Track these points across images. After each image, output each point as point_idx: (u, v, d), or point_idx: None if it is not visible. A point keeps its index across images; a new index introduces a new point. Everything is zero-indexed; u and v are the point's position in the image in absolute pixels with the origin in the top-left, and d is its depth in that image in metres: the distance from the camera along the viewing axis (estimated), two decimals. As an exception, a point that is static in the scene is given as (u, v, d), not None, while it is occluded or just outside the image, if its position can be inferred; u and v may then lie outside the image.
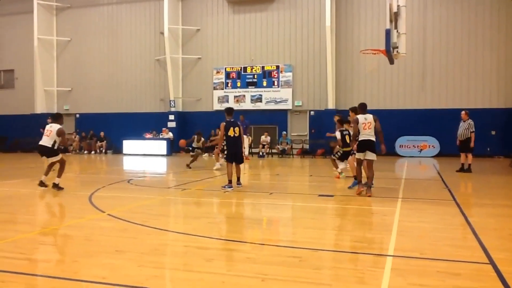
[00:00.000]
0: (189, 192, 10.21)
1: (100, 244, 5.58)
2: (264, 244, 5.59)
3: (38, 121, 25.54)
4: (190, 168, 15.70)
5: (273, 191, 10.24)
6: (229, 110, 10.81)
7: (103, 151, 25.31)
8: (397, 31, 10.56)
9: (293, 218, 7.63)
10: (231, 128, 10.42)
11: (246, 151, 21.06)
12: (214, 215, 7.97)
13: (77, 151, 25.80)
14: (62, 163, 10.62)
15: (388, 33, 10.32)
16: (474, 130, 14.17)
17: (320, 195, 9.44)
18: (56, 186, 10.35)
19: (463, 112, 14.59)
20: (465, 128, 14.20)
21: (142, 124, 24.99)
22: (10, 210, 8.22)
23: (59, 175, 10.45)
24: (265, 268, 4.57)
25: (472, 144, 14.02)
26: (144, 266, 4.66)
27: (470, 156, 14.18)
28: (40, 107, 27.63)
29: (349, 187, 10.28)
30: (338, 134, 11.89)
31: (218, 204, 8.99)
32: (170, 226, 6.77)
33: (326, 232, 6.51)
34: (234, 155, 10.36)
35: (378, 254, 5.06)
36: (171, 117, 25.34)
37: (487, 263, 4.68)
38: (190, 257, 4.99)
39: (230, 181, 10.27)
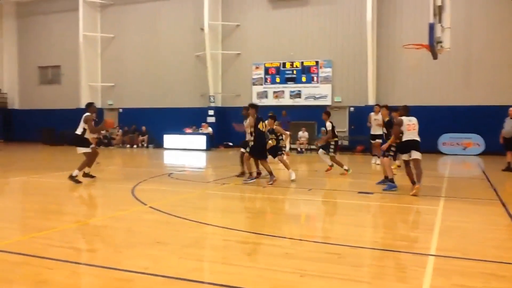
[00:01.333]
0: (228, 186, 10.31)
1: (142, 236, 5.73)
2: (302, 240, 5.59)
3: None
4: None
5: (312, 187, 10.19)
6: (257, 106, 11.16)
7: (145, 145, 25.85)
8: (441, 25, 10.28)
9: (332, 215, 7.59)
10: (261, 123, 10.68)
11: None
12: (253, 210, 8.03)
13: (120, 145, 26.47)
14: (90, 155, 10.64)
15: (431, 27, 10.06)
16: None
17: (359, 192, 9.33)
18: (72, 178, 10.12)
19: (511, 108, 13.99)
20: None
21: (182, 119, 25.33)
22: (56, 201, 8.55)
23: (80, 168, 10.43)
24: (303, 264, 4.57)
25: None
26: (185, 258, 4.77)
27: None
28: (85, 102, 28.12)
29: (384, 190, 9.98)
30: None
31: (257, 199, 9.04)
32: (210, 219, 6.86)
33: (366, 230, 6.44)
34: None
35: (419, 253, 4.97)
36: (211, 112, 25.59)
37: (535, 266, 4.53)
38: (229, 250, 5.06)
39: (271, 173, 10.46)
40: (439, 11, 10.24)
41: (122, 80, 28.59)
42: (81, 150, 10.64)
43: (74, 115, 27.45)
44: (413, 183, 9.17)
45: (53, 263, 4.60)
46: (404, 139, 9.17)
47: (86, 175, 10.78)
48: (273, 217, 7.40)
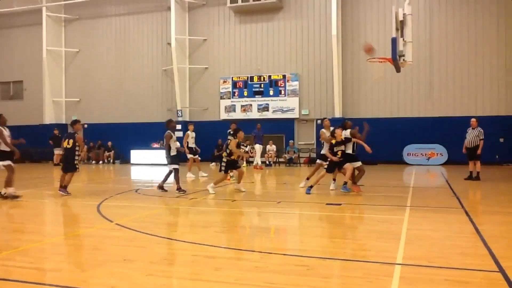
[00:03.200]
0: (196, 201, 10.23)
1: (108, 253, 5.60)
2: (272, 253, 5.58)
3: (47, 131, 25.76)
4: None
5: (281, 199, 10.22)
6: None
7: (111, 161, 25.40)
8: (403, 39, 10.57)
9: (301, 227, 7.62)
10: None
11: (259, 160, 21.01)
12: (221, 224, 7.96)
13: (85, 161, 25.91)
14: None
15: (394, 41, 10.34)
16: (483, 137, 14.08)
17: (328, 204, 9.42)
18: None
19: (473, 119, 14.52)
20: (475, 135, 14.12)
21: (150, 134, 25.04)
22: (19, 220, 8.28)
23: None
24: (273, 277, 4.56)
25: (479, 151, 13.95)
26: (153, 275, 4.68)
27: (478, 164, 14.07)
28: (48, 118, 27.83)
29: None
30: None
31: (226, 213, 9.00)
32: (178, 235, 6.78)
33: (334, 241, 6.49)
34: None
35: (386, 263, 5.04)
36: (178, 126, 25.37)
37: (497, 271, 4.65)
38: (198, 266, 5.00)
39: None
40: (401, 25, 10.53)
41: (87, 95, 28.12)
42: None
43: (36, 131, 26.96)
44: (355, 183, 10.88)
45: (15, 285, 4.44)
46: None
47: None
48: (242, 231, 7.37)
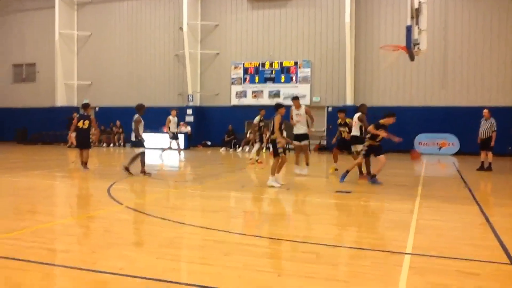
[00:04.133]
0: (206, 186, 10.25)
1: (118, 236, 5.64)
2: (280, 240, 5.58)
3: (59, 114, 25.95)
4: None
5: (291, 186, 10.21)
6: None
7: (122, 144, 25.54)
8: (418, 27, 10.42)
9: (310, 214, 7.60)
10: None
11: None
12: (231, 209, 7.99)
13: (96, 144, 26.07)
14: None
15: (409, 29, 10.19)
16: (495, 129, 13.99)
17: (337, 191, 9.38)
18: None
19: (485, 110, 14.38)
20: (487, 127, 14.05)
21: (161, 118, 25.03)
22: (30, 200, 8.36)
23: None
24: (281, 263, 4.57)
25: (492, 143, 13.85)
26: (162, 258, 4.71)
27: (490, 154, 13.98)
28: (60, 100, 28.02)
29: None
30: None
31: (236, 198, 9.01)
32: (188, 219, 6.80)
33: (343, 229, 6.48)
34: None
35: (396, 252, 5.02)
36: (189, 111, 25.45)
37: (508, 263, 4.61)
38: (207, 250, 5.01)
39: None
40: (416, 13, 10.37)
41: (99, 78, 28.22)
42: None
43: (48, 113, 27.16)
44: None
45: (25, 265, 4.49)
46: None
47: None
48: (252, 217, 7.38)
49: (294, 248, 5.23)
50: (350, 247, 5.37)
